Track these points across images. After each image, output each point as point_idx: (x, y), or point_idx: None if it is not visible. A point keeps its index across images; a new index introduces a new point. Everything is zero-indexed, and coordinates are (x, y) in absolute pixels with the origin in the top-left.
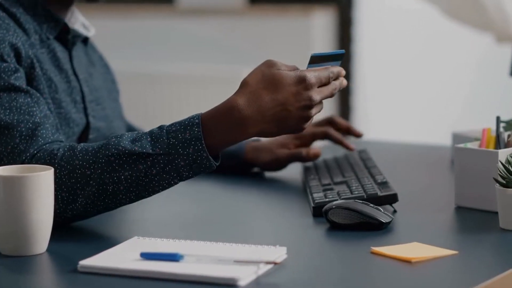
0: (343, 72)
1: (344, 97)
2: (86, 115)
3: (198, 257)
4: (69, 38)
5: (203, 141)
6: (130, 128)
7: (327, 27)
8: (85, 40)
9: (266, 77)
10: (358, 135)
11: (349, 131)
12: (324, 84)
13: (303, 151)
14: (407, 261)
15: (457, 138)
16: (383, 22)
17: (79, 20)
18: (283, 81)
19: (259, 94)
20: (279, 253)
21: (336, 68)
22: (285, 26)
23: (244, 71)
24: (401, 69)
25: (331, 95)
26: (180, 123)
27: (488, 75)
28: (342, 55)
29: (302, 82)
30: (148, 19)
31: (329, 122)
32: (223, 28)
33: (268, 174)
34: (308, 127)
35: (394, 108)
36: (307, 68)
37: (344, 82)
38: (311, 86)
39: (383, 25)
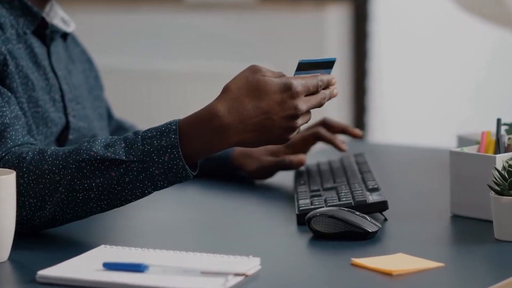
0: (334, 80)
1: (359, 97)
2: (66, 114)
3: (164, 267)
4: (47, 33)
5: (179, 149)
6: (120, 126)
7: (342, 23)
8: (65, 36)
9: (250, 83)
10: (356, 135)
11: (346, 132)
12: (312, 93)
13: (286, 158)
14: (387, 274)
15: (462, 140)
16: (400, 18)
17: (58, 15)
18: (268, 88)
19: (241, 101)
20: (251, 264)
21: (326, 76)
22: (298, 21)
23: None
24: (419, 67)
25: (319, 105)
26: (156, 129)
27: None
28: (333, 62)
29: (287, 90)
30: (155, 14)
31: (322, 124)
32: (233, 24)
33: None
34: (300, 132)
35: (411, 108)
36: (294, 76)
37: (335, 91)
38: (297, 95)
39: (400, 21)
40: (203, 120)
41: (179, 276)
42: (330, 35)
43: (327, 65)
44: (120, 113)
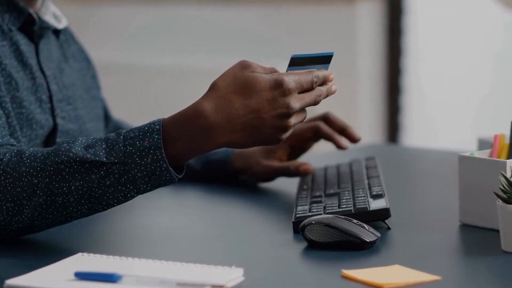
0: (331, 76)
1: (393, 96)
2: (54, 116)
3: (138, 277)
4: (35, 30)
5: (163, 150)
6: (119, 128)
7: (375, 17)
8: (58, 32)
9: (238, 80)
10: (354, 140)
11: (345, 133)
12: (306, 90)
13: (291, 166)
14: (378, 287)
15: (483, 143)
16: (437, 12)
17: (50, 10)
18: (257, 86)
19: (229, 99)
20: (232, 275)
21: (322, 72)
22: (328, 16)
23: (282, 66)
24: (458, 64)
25: (314, 103)
26: (139, 129)
27: None
28: (330, 57)
29: (279, 87)
30: (176, 8)
31: (323, 118)
32: (260, 19)
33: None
34: (299, 125)
35: (449, 108)
36: (286, 71)
37: (333, 88)
38: (289, 92)
39: (437, 15)
40: (188, 120)
41: (153, 287)
42: (362, 30)
43: (324, 60)
44: (135, 110)
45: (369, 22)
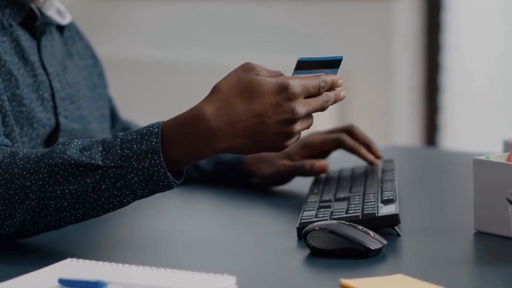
0: (340, 81)
1: (432, 96)
2: (56, 114)
3: (124, 285)
4: (37, 26)
5: (161, 155)
6: (127, 128)
7: (412, 13)
8: (61, 28)
9: (242, 83)
10: (374, 160)
11: (368, 150)
12: (313, 95)
13: (307, 164)
14: None
15: (509, 146)
16: (477, 6)
17: (54, 5)
18: (261, 89)
19: (231, 102)
20: (224, 283)
21: (330, 77)
22: (364, 12)
23: None
24: (500, 61)
25: (321, 109)
26: (137, 131)
27: None
28: (339, 61)
29: (284, 91)
30: (206, 3)
31: (346, 130)
32: (294, 15)
33: None
34: (319, 134)
35: (492, 109)
36: (292, 75)
37: (342, 94)
38: (294, 96)
39: (478, 10)
40: (189, 123)
41: None
42: (399, 27)
43: (333, 64)
44: (156, 107)
45: (406, 17)
